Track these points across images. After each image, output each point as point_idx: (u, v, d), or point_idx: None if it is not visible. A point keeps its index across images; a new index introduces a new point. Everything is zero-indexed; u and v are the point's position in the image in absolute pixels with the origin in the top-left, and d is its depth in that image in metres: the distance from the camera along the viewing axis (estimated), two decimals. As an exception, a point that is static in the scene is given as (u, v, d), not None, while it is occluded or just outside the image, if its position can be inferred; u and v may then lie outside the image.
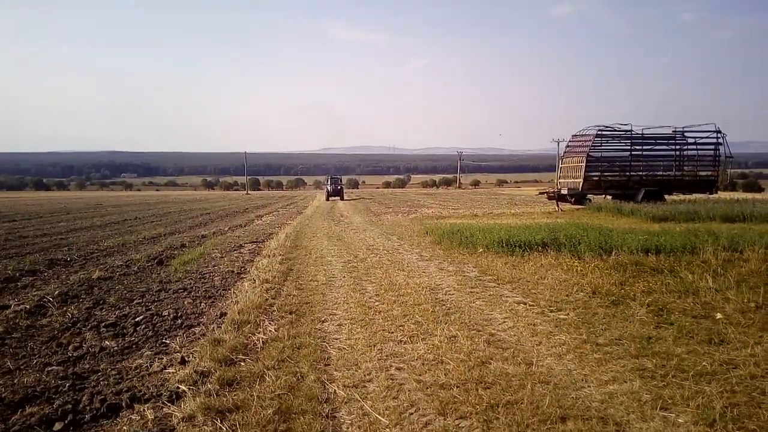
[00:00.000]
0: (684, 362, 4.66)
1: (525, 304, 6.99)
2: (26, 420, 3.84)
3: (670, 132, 26.37)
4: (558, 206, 26.58)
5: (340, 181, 56.22)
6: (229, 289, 8.31)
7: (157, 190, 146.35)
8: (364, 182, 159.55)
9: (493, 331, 5.81)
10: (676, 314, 6.12)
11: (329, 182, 53.36)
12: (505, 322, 6.20)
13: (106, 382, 4.57)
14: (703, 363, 4.61)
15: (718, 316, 6.00)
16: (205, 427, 3.62)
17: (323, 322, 6.42)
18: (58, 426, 3.76)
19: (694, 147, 26.64)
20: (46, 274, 9.95)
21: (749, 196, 37.18)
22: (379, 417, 3.84)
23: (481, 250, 11.34)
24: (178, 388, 4.36)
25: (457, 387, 4.28)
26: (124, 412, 3.99)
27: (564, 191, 26.53)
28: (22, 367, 5.04)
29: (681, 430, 3.52)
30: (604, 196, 26.83)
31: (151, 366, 4.96)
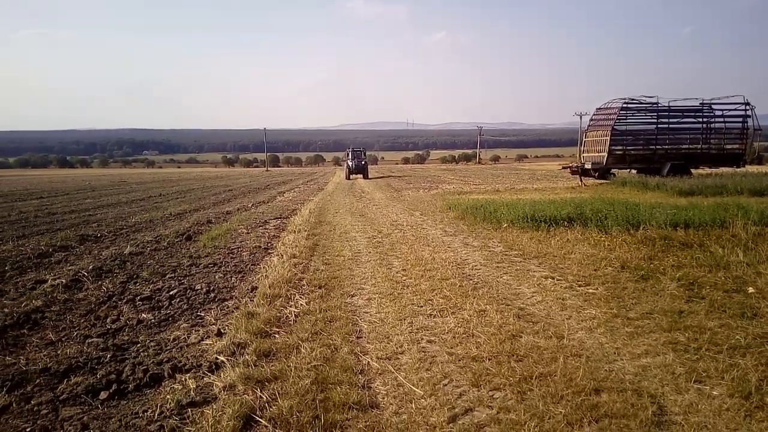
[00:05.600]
0: (717, 336, 4.65)
1: (553, 278, 6.99)
2: (73, 389, 3.98)
3: (698, 104, 25.81)
4: (581, 181, 26.30)
5: (364, 155, 45.10)
6: (258, 264, 8.43)
7: (179, 167, 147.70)
8: (383, 158, 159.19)
9: (522, 306, 5.83)
10: (707, 288, 6.07)
11: (350, 156, 43.93)
12: (533, 296, 6.22)
13: (146, 353, 4.70)
14: (737, 336, 4.59)
15: (750, 290, 5.94)
16: (246, 396, 3.72)
17: (352, 296, 6.50)
18: (103, 395, 3.90)
19: (722, 119, 26.09)
20: (78, 249, 10.17)
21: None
22: (414, 388, 3.91)
23: (505, 225, 11.31)
24: (216, 358, 4.48)
25: (489, 360, 4.33)
26: (167, 382, 4.12)
27: (588, 166, 26.22)
28: (63, 339, 5.20)
29: (716, 402, 3.53)
30: (628, 170, 26.46)
31: (188, 338, 5.09)
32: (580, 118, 74.36)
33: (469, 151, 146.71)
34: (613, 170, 26.22)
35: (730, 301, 5.63)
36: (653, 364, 4.14)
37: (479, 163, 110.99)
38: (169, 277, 7.59)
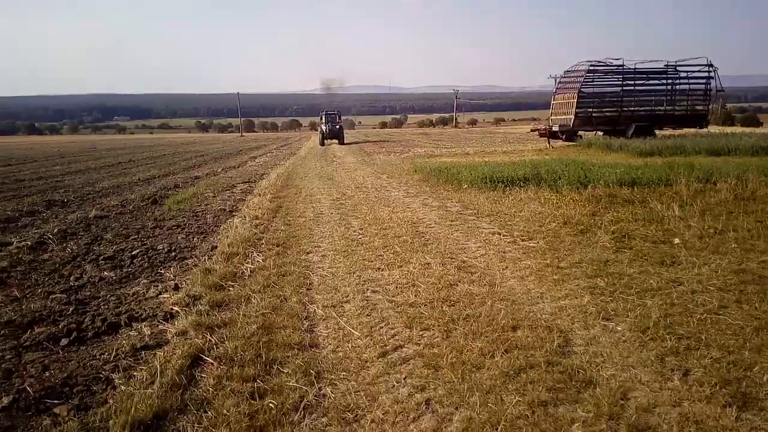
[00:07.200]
0: (633, 281, 5.10)
1: (499, 234, 7.40)
2: (35, 338, 4.29)
3: (663, 66, 26.27)
4: (549, 143, 26.76)
5: (338, 118, 42.24)
6: (221, 226, 8.70)
7: (151, 133, 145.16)
8: (360, 123, 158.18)
9: (465, 259, 6.23)
10: (637, 240, 6.54)
11: (324, 120, 40.50)
12: (477, 250, 6.62)
13: (106, 306, 5.01)
14: (651, 281, 5.05)
15: (676, 241, 6.42)
16: (196, 340, 4.06)
17: (308, 253, 6.83)
18: (64, 342, 4.21)
19: (686, 81, 26.62)
20: (44, 214, 10.32)
21: (747, 130, 37.23)
22: (353, 330, 4.30)
23: (465, 186, 11.69)
24: (172, 309, 4.81)
25: (424, 305, 4.73)
26: (123, 330, 4.45)
27: (555, 128, 26.65)
28: (28, 295, 5.46)
29: (616, 335, 3.97)
30: (595, 132, 26.95)
31: (147, 292, 5.40)
32: (555, 80, 74.56)
33: (447, 115, 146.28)
34: (580, 132, 26.70)
35: (655, 250, 6.10)
36: (569, 305, 4.58)
37: (456, 126, 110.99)
38: (132, 239, 7.85)
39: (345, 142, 39.99)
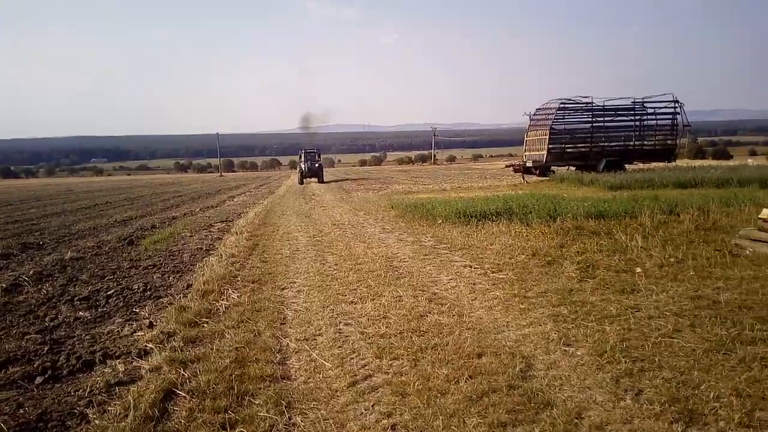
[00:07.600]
0: (595, 308, 5.32)
1: (471, 267, 7.61)
2: (10, 377, 4.34)
3: (630, 103, 27.25)
4: (524, 178, 27.36)
5: (318, 156, 41.70)
6: (197, 264, 8.77)
7: (129, 174, 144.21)
8: (339, 161, 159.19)
9: (436, 291, 6.41)
10: (601, 270, 6.79)
11: (303, 159, 39.98)
12: (449, 283, 6.81)
13: (81, 345, 5.07)
14: (611, 308, 5.27)
15: (638, 270, 6.67)
16: (170, 375, 4.16)
17: (283, 289, 6.96)
18: (39, 380, 4.27)
19: (653, 117, 27.62)
20: (19, 257, 10.28)
21: (715, 163, 38.55)
22: (324, 362, 4.42)
23: (440, 221, 11.94)
24: (146, 346, 4.89)
25: (394, 336, 4.89)
26: (98, 367, 4.51)
27: (529, 164, 27.31)
28: (2, 336, 5.49)
29: (575, 359, 4.16)
30: (567, 167, 27.65)
31: (122, 330, 5.47)
32: (529, 117, 76.27)
33: (426, 152, 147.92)
34: (553, 167, 27.38)
35: (617, 279, 6.34)
36: (533, 333, 4.77)
37: (434, 163, 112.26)
38: (108, 279, 7.89)
39: (324, 180, 39.43)
